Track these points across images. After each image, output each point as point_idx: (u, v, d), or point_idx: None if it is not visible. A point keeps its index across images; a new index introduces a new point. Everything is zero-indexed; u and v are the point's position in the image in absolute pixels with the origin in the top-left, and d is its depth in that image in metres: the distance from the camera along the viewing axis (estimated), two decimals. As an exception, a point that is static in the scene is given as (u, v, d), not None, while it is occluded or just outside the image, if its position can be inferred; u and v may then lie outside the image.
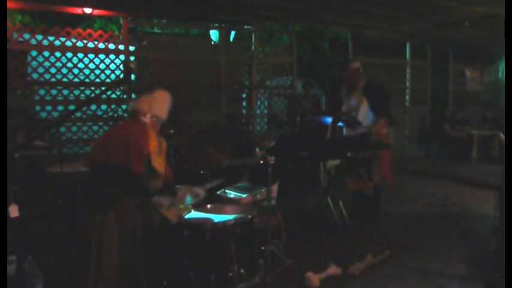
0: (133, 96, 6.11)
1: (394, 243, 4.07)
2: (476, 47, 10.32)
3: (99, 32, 5.89)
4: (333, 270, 3.39)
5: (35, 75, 5.60)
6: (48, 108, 5.70)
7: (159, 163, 2.71)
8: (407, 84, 9.55)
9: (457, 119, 9.62)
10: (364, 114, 4.53)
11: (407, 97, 9.56)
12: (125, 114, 5.91)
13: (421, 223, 4.83)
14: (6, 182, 1.83)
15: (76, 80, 5.82)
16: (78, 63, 5.80)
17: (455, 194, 6.14)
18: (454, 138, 9.39)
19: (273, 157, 3.18)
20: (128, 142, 2.64)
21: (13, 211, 2.90)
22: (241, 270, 2.85)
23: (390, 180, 4.61)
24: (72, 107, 5.75)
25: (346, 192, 4.71)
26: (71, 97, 5.82)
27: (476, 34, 8.10)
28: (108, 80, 6.08)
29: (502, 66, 10.92)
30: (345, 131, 4.70)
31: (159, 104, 2.85)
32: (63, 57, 5.70)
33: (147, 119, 2.79)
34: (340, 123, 4.65)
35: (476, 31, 7.76)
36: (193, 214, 3.10)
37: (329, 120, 4.43)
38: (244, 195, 3.61)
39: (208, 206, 3.27)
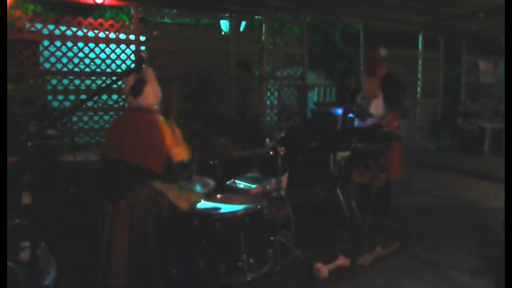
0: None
1: (403, 235, 4.06)
2: (490, 39, 10.14)
3: (110, 22, 5.90)
4: (342, 261, 3.39)
5: (47, 65, 5.65)
6: (60, 97, 5.75)
7: (179, 153, 2.72)
8: (419, 75, 9.44)
9: (470, 112, 9.50)
10: (379, 105, 4.48)
11: (419, 89, 9.46)
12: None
13: (431, 216, 4.81)
14: (6, 183, 1.86)
15: (87, 69, 5.86)
16: (89, 53, 5.84)
17: (466, 187, 6.09)
18: (466, 131, 9.28)
19: (283, 148, 3.18)
20: (145, 142, 2.64)
21: (26, 198, 2.94)
22: (251, 260, 2.87)
23: (398, 175, 4.58)
24: (83, 97, 5.80)
25: (355, 184, 4.69)
26: (83, 87, 5.87)
27: (491, 25, 7.96)
28: (118, 70, 6.11)
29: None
30: (356, 123, 4.66)
31: (156, 86, 2.85)
32: (75, 47, 5.74)
33: (156, 107, 2.80)
34: (350, 115, 4.62)
35: (491, 22, 7.61)
36: (203, 204, 3.12)
37: (339, 111, 4.41)
38: (253, 186, 3.62)
39: (218, 196, 3.29)
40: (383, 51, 4.57)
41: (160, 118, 2.81)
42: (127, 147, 2.68)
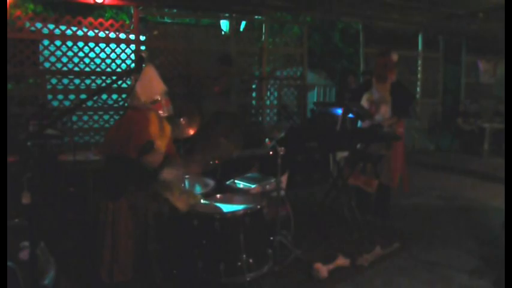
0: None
1: (403, 235, 4.07)
2: (490, 39, 10.15)
3: (110, 22, 5.90)
4: (342, 261, 3.40)
5: (47, 64, 5.64)
6: (60, 97, 5.75)
7: (160, 144, 2.75)
8: (419, 76, 9.44)
9: (470, 112, 9.50)
10: (387, 110, 4.42)
11: (418, 89, 9.46)
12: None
13: (431, 216, 4.81)
14: (6, 183, 1.85)
15: (87, 69, 5.86)
16: (89, 52, 5.84)
17: (466, 187, 6.09)
18: (466, 131, 9.28)
19: (282, 148, 3.18)
20: (130, 132, 2.66)
21: (26, 198, 2.95)
22: (250, 260, 2.87)
23: (397, 182, 4.57)
24: (83, 96, 5.80)
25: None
26: (82, 86, 5.87)
27: (490, 26, 7.96)
28: (118, 70, 6.11)
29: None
30: (359, 123, 4.64)
31: (151, 85, 2.78)
32: (75, 47, 5.74)
33: (148, 105, 2.78)
34: (350, 115, 4.61)
35: (491, 22, 7.62)
36: (203, 204, 3.12)
37: (339, 111, 4.40)
38: (253, 186, 3.62)
39: (218, 195, 3.29)
40: (395, 57, 4.44)
41: (153, 115, 2.79)
42: (115, 141, 2.72)
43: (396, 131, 4.40)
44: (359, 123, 4.62)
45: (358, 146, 4.17)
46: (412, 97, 4.61)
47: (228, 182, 3.76)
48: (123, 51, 6.10)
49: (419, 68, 9.43)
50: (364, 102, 4.55)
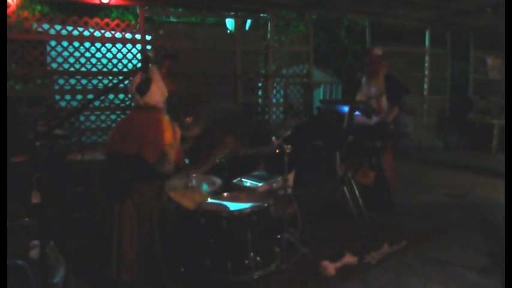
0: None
1: (411, 233, 4.04)
2: (498, 34, 10.04)
3: (116, 22, 5.93)
4: (349, 259, 3.39)
5: (54, 65, 5.69)
6: (68, 97, 5.79)
7: (172, 153, 2.75)
8: (426, 72, 9.37)
9: (479, 108, 9.41)
10: (385, 104, 4.49)
11: (426, 86, 9.39)
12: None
13: (439, 213, 4.78)
14: (6, 183, 1.87)
15: (94, 69, 5.90)
16: (96, 52, 5.87)
17: (474, 184, 6.04)
18: (475, 127, 9.19)
19: (289, 146, 3.18)
20: (144, 134, 2.67)
21: (35, 197, 2.98)
22: (258, 258, 2.88)
23: (393, 174, 4.61)
24: (90, 96, 5.84)
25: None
26: (89, 86, 5.91)
27: (498, 21, 7.88)
28: (125, 70, 6.14)
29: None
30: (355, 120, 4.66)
31: (163, 86, 2.86)
32: (81, 47, 5.77)
33: (161, 105, 2.81)
34: (357, 112, 4.60)
35: (499, 18, 7.54)
36: (210, 202, 3.13)
37: (346, 109, 4.39)
38: (260, 184, 3.63)
39: (225, 194, 3.29)
40: (378, 51, 4.59)
41: (165, 117, 2.82)
42: (126, 141, 2.73)
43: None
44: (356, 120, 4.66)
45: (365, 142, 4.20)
46: (404, 90, 4.73)
47: (235, 181, 3.77)
48: (129, 51, 6.13)
49: (426, 65, 9.35)
50: (362, 98, 4.61)
